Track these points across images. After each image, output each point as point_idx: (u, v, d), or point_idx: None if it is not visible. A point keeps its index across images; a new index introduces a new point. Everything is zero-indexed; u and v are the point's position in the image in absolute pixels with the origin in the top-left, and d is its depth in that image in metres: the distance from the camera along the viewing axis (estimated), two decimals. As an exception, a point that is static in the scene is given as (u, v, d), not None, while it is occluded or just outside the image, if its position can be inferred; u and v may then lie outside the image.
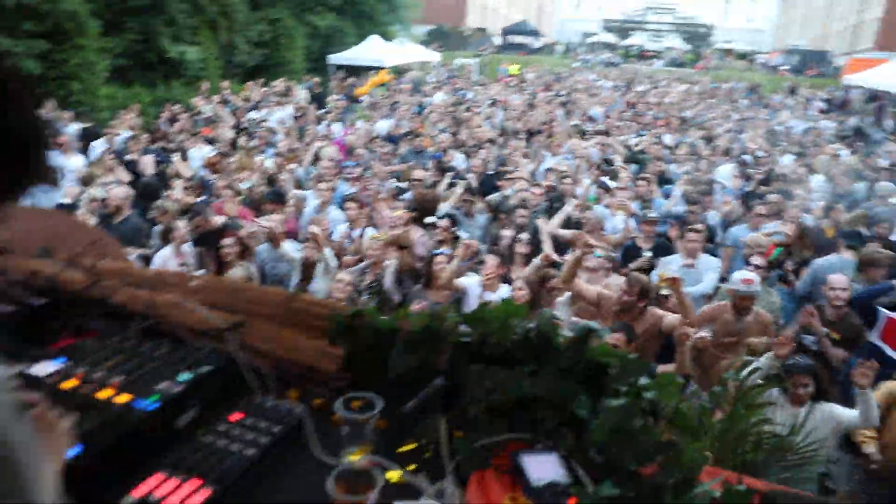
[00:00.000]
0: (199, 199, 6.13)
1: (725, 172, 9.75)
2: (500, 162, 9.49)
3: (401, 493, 1.27)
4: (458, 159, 9.58)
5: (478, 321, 1.54)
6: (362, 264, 5.45)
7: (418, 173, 7.60)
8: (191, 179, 7.11)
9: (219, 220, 6.04)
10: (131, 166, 7.90)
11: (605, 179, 8.23)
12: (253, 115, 12.46)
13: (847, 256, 5.77)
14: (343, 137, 10.87)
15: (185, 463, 1.30)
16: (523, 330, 1.49)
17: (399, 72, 24.55)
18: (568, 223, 6.95)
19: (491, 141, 10.26)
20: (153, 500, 1.20)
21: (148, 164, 7.96)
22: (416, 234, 6.26)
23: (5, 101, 0.72)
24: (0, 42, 10.58)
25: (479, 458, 1.35)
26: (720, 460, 1.66)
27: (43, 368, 1.51)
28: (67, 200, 6.53)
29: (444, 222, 6.22)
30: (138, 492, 1.22)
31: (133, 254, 5.19)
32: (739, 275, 4.79)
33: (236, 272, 5.25)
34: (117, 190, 6.14)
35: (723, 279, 5.96)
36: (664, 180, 9.06)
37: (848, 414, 3.74)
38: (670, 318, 4.38)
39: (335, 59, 22.05)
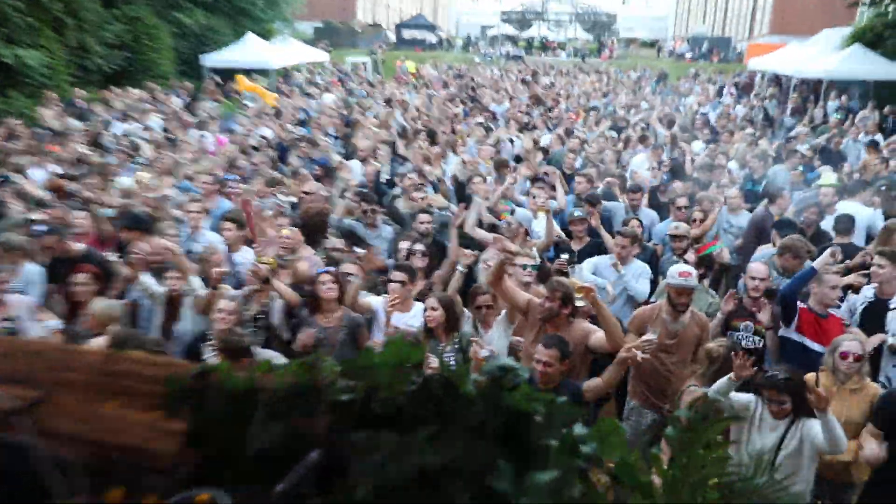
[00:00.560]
0: (37, 227, 5.54)
1: (639, 162, 9.98)
2: (398, 167, 9.31)
3: None
4: (353, 166, 9.31)
5: (361, 371, 1.28)
6: (244, 290, 5.08)
7: (309, 185, 7.24)
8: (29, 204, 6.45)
9: (78, 247, 5.51)
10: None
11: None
12: (117, 126, 11.66)
13: None
14: (220, 147, 10.33)
15: None
16: (421, 379, 1.24)
17: (284, 74, 23.97)
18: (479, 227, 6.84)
19: (387, 143, 10.01)
20: None
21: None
22: (306, 253, 5.94)
23: None
24: None
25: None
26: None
27: None
28: None
29: (337, 241, 5.96)
30: None
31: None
32: (676, 268, 4.81)
33: (99, 308, 4.72)
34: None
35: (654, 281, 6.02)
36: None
37: (818, 434, 3.66)
38: (600, 336, 4.29)
39: (209, 61, 21.21)
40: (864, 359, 4.13)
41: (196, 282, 4.93)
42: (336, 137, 11.85)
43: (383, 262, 6.28)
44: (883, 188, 7.98)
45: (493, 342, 4.77)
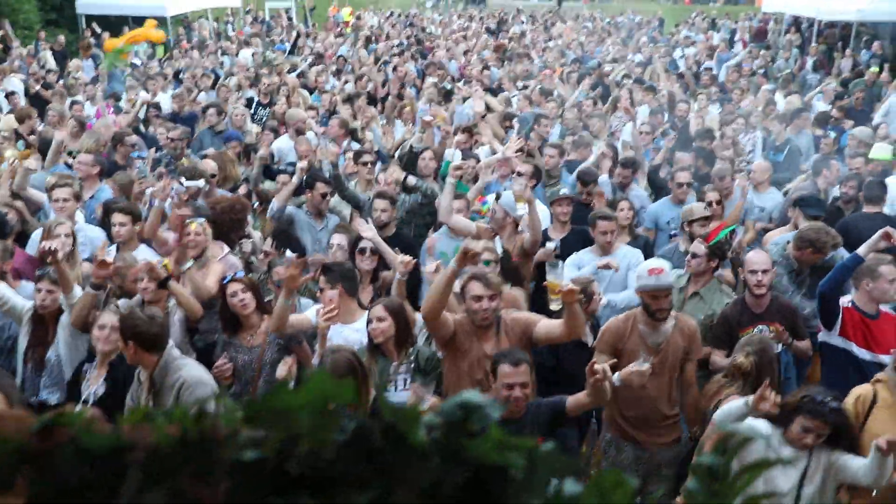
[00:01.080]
0: None
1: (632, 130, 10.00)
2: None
3: None
4: (280, 141, 9.16)
5: (274, 417, 1.17)
6: (134, 299, 4.94)
7: (208, 165, 7.05)
8: None
9: None
10: None
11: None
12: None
13: None
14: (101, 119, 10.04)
15: None
16: (355, 425, 1.13)
17: (186, 26, 23.56)
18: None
19: (314, 109, 9.87)
20: None
21: None
22: (220, 253, 5.80)
23: None
24: None
25: None
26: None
27: None
28: None
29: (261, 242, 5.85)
30: None
31: None
32: (646, 264, 4.75)
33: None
34: None
35: None
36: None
37: (856, 465, 3.69)
38: (547, 324, 4.31)
39: (86, 7, 20.69)
40: None
41: (77, 291, 4.75)
42: (261, 105, 11.65)
43: (324, 258, 6.17)
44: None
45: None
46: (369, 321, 4.50)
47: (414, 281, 5.42)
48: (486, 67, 14.65)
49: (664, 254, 6.13)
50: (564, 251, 6.10)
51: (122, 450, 1.20)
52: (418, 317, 4.64)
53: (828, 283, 4.94)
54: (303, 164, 6.85)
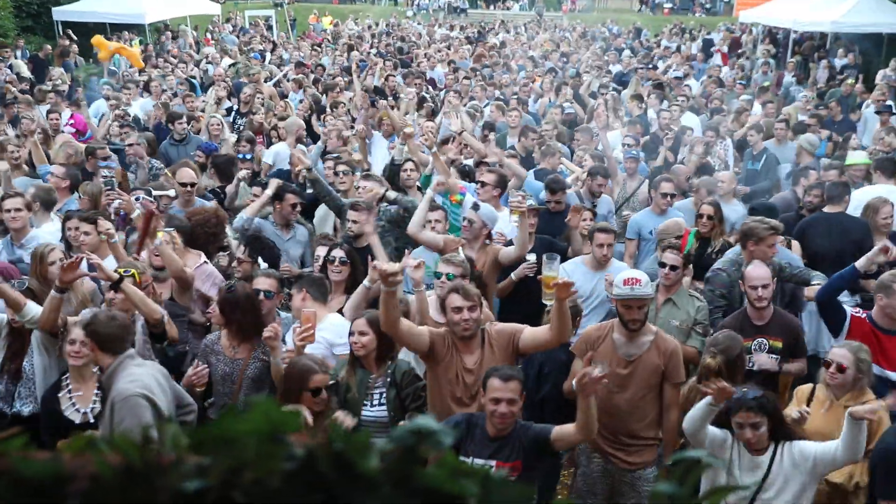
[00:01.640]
0: None
1: (612, 140, 10.00)
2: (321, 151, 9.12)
3: None
4: (278, 146, 9.24)
5: (220, 446, 1.12)
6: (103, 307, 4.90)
7: (184, 175, 6.96)
8: None
9: None
10: None
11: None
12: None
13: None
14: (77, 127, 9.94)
15: None
16: (302, 454, 1.10)
17: (174, 35, 23.43)
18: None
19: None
20: None
21: None
22: (194, 263, 5.74)
23: None
24: None
25: None
26: None
27: None
28: None
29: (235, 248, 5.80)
30: None
31: None
32: (622, 274, 4.69)
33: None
34: None
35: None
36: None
37: (820, 449, 3.78)
38: (532, 332, 4.28)
39: (63, 14, 20.52)
40: (853, 371, 4.18)
41: (31, 308, 4.65)
42: (240, 114, 11.57)
43: (298, 272, 6.14)
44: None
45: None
46: (352, 333, 4.46)
47: None
48: (467, 77, 14.61)
49: (649, 265, 6.13)
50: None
51: (61, 479, 1.16)
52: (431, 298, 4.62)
53: (822, 291, 5.04)
54: (243, 172, 6.86)
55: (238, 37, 24.66)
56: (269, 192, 6.55)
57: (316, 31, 28.06)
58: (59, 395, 4.34)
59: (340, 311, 5.21)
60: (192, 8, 25.26)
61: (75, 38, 19.40)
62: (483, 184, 6.89)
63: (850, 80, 15.60)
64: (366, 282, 5.16)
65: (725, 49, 22.47)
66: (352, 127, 10.06)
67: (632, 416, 4.57)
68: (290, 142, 9.37)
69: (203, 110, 11.60)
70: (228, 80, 13.88)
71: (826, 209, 6.90)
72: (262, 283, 4.99)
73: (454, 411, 4.11)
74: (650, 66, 18.08)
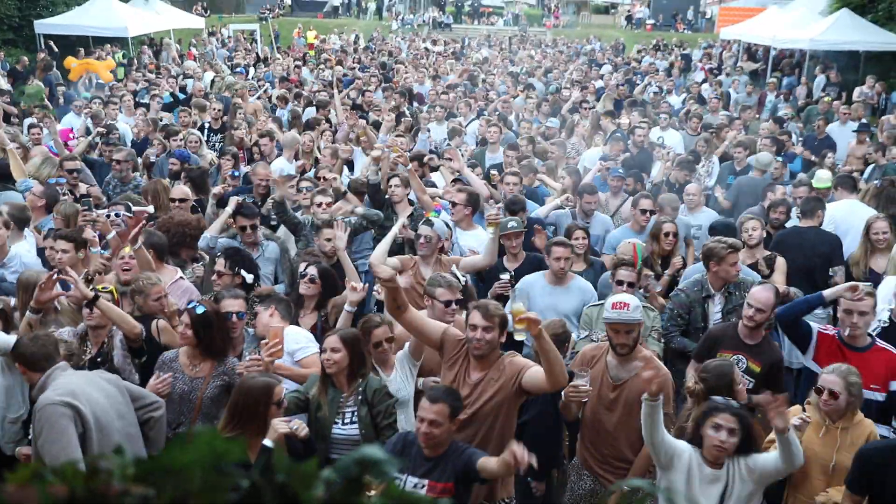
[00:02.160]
0: None
1: (592, 157, 10.07)
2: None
3: None
4: (278, 162, 9.16)
5: (165, 476, 1.13)
6: (79, 328, 4.88)
7: (178, 191, 6.96)
8: None
9: None
10: None
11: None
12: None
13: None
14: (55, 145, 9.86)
15: None
16: (247, 485, 1.10)
17: (157, 50, 23.39)
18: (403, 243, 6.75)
19: (270, 136, 9.76)
20: None
21: None
22: (170, 278, 5.72)
23: None
24: None
25: None
26: None
27: None
28: None
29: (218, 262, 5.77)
30: None
31: None
32: (612, 298, 4.70)
33: None
34: None
35: None
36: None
37: (764, 460, 3.87)
38: (536, 372, 4.15)
39: (45, 27, 20.44)
40: (845, 396, 4.17)
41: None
42: (212, 130, 11.54)
43: (271, 289, 6.12)
44: (878, 184, 8.25)
45: (399, 388, 4.67)
46: (323, 350, 4.45)
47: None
48: (445, 92, 14.66)
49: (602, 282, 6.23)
50: (518, 280, 6.13)
51: (4, 511, 1.16)
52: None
53: (784, 311, 5.06)
54: (216, 189, 6.85)
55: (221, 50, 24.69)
56: (228, 209, 6.53)
57: (298, 46, 28.05)
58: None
59: (313, 329, 5.26)
60: (176, 22, 25.27)
61: (56, 50, 19.34)
62: (454, 203, 6.94)
63: (827, 98, 15.80)
64: (347, 306, 5.16)
65: (707, 66, 22.72)
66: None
67: (618, 438, 4.56)
68: (289, 156, 9.36)
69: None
70: (213, 96, 13.81)
71: (800, 223, 7.06)
72: (232, 304, 4.95)
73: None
74: (632, 83, 18.26)
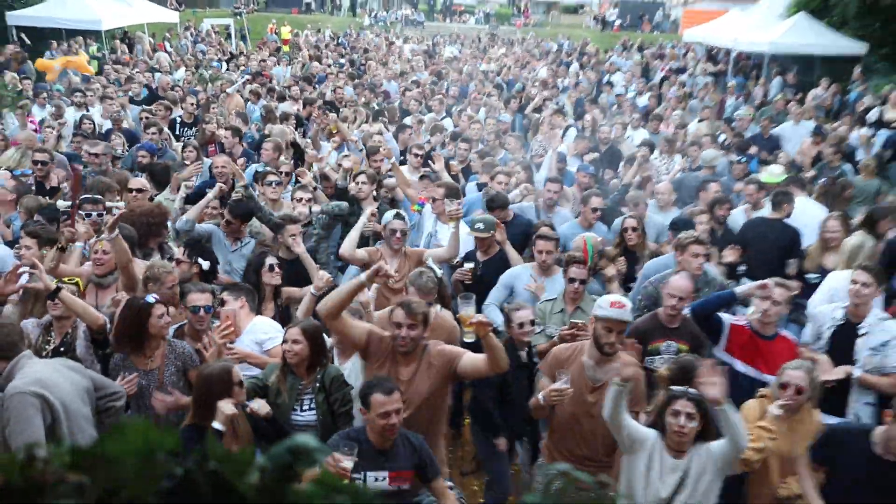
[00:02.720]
0: None
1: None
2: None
3: None
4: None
5: (99, 463, 1.13)
6: (43, 319, 4.85)
7: (136, 182, 6.88)
8: None
9: None
10: None
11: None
12: None
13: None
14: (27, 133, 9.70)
15: None
16: (180, 472, 1.10)
17: (128, 41, 23.08)
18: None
19: (237, 132, 9.66)
20: None
21: None
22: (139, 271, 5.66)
23: None
24: None
25: None
26: None
27: None
28: None
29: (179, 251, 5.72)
30: None
31: None
32: (607, 297, 4.58)
33: None
34: None
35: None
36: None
37: (717, 447, 3.87)
38: (471, 358, 4.26)
39: (17, 19, 20.06)
40: (809, 392, 4.26)
41: None
42: (185, 124, 11.41)
43: (231, 280, 6.11)
44: (826, 183, 8.40)
45: (350, 375, 4.68)
46: (284, 341, 4.44)
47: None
48: (408, 89, 14.64)
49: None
50: (487, 271, 6.23)
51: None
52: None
53: (699, 305, 5.12)
54: (220, 184, 6.80)
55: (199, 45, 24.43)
56: (210, 195, 6.52)
57: (270, 41, 27.80)
58: None
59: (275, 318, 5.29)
60: (150, 15, 24.90)
61: (28, 42, 19.01)
62: (434, 199, 6.97)
63: (778, 96, 16.01)
64: (311, 289, 5.20)
65: (668, 67, 22.88)
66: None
67: (597, 440, 4.50)
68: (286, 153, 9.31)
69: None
70: (177, 89, 13.63)
71: (770, 214, 7.21)
72: (199, 298, 4.90)
73: None
74: (606, 82, 18.37)
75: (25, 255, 5.30)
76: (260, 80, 16.01)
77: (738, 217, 7.73)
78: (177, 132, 11.00)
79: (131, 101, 13.08)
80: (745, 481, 4.37)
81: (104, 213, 6.07)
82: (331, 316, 4.23)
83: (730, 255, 6.60)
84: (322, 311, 4.27)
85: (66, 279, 4.90)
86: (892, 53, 19.33)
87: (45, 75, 16.33)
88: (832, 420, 4.78)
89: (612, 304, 4.40)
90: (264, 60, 20.41)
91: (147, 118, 10.47)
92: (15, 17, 20.17)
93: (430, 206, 7.11)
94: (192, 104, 11.65)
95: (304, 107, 12.94)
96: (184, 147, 8.99)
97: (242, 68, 19.17)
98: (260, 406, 3.97)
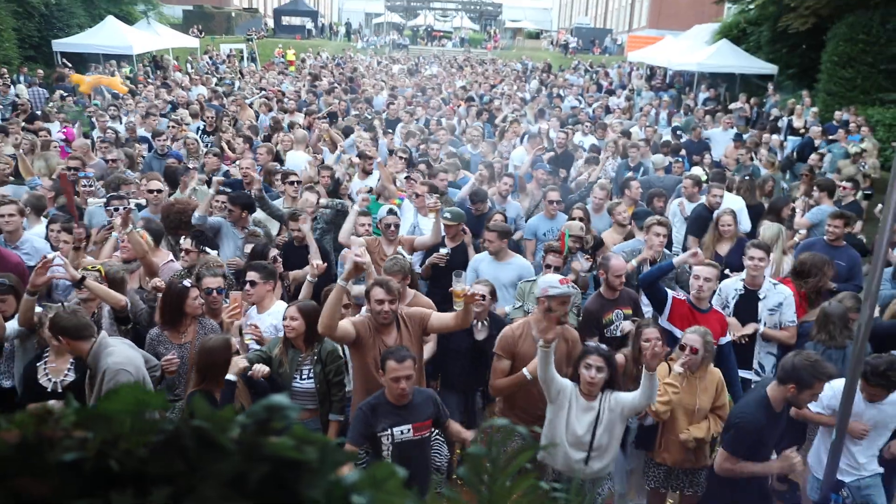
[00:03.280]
0: None
1: (519, 156, 10.08)
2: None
3: None
4: (292, 156, 9.08)
5: (98, 421, 1.09)
6: (73, 300, 4.77)
7: (154, 183, 6.79)
8: None
9: None
10: None
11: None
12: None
13: (643, 238, 6.13)
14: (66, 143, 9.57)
15: None
16: (169, 428, 1.07)
17: (156, 64, 22.77)
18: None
19: (248, 140, 9.55)
20: None
21: None
22: (162, 260, 5.58)
23: None
24: None
25: None
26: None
27: None
28: None
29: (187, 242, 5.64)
30: None
31: None
32: (552, 277, 4.54)
33: None
34: None
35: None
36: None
37: (626, 397, 4.01)
38: (440, 316, 4.30)
39: (61, 45, 19.75)
40: (702, 352, 4.32)
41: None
42: (206, 132, 11.28)
43: (240, 262, 6.04)
44: (746, 178, 8.46)
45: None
46: (284, 318, 4.39)
47: (326, 282, 5.29)
48: (391, 103, 14.54)
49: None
50: (454, 258, 6.22)
51: (-38, 453, 1.11)
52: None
53: (645, 276, 5.18)
54: (216, 179, 6.67)
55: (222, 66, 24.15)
56: (211, 191, 6.42)
57: (276, 63, 27.54)
58: (38, 364, 4.19)
59: (282, 298, 5.22)
60: (174, 41, 24.62)
61: (70, 65, 18.73)
62: (417, 195, 6.95)
63: (699, 108, 16.14)
64: (309, 277, 5.12)
65: (614, 83, 22.92)
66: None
67: (543, 401, 4.44)
68: (301, 149, 9.55)
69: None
70: (195, 104, 13.48)
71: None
72: (213, 282, 4.84)
73: (380, 383, 4.00)
74: (557, 95, 18.33)
75: (63, 249, 5.22)
76: (266, 95, 15.86)
77: (675, 208, 7.77)
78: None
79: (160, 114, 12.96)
80: (657, 429, 4.44)
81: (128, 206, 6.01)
82: (328, 329, 4.09)
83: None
84: (322, 330, 4.13)
85: (88, 266, 4.81)
86: (797, 73, 19.50)
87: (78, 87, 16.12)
88: (743, 373, 4.99)
89: (560, 281, 4.41)
90: (281, 75, 20.21)
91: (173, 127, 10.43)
92: (59, 44, 19.86)
93: (413, 200, 7.07)
94: (210, 117, 11.53)
95: (306, 116, 12.85)
96: (206, 153, 8.91)
97: (252, 85, 18.98)
98: (259, 369, 3.94)
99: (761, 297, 5.38)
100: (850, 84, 16.83)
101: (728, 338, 5.05)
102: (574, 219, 6.56)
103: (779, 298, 5.33)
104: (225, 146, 9.73)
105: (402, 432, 3.75)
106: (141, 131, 11.10)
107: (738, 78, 20.54)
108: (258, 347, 4.47)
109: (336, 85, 18.33)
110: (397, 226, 6.23)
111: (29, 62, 19.78)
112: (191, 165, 8.19)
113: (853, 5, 16.85)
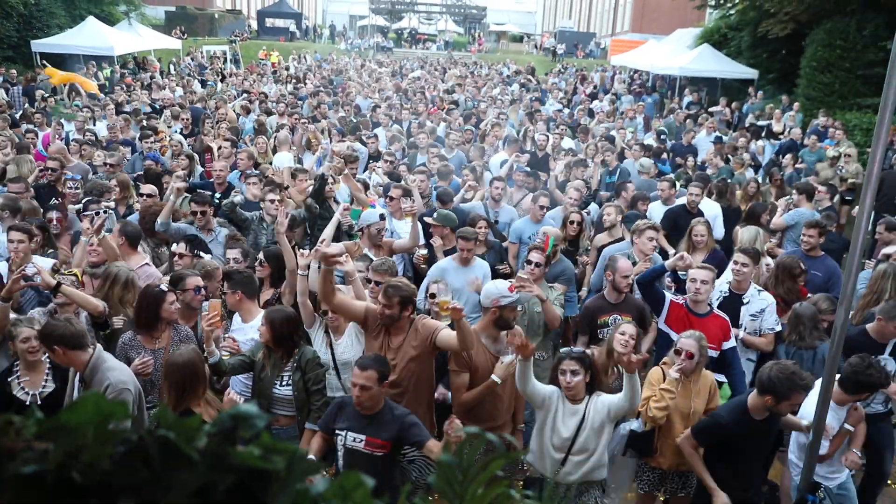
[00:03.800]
0: None
1: (499, 161, 10.08)
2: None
3: None
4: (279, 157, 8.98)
5: (60, 432, 1.07)
6: (50, 306, 4.65)
7: (146, 187, 6.71)
8: None
9: None
10: None
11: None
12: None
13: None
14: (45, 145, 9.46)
15: None
16: (133, 438, 1.05)
17: (142, 66, 22.58)
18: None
19: (232, 142, 9.50)
20: None
21: None
22: (137, 263, 5.50)
23: None
24: None
25: None
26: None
27: None
28: None
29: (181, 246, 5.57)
30: None
31: None
32: (501, 285, 4.40)
33: None
34: None
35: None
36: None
37: (612, 399, 4.02)
38: (448, 333, 4.18)
39: (40, 46, 19.53)
40: (697, 356, 4.31)
41: None
42: (183, 134, 11.18)
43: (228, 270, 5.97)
44: (719, 181, 8.54)
45: (345, 350, 4.63)
46: (260, 326, 4.37)
47: None
48: (378, 106, 14.53)
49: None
50: (432, 260, 6.20)
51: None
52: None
53: (640, 277, 5.19)
54: (180, 184, 6.52)
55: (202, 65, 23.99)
56: (172, 198, 6.33)
57: (259, 66, 27.41)
58: (10, 379, 4.08)
59: (269, 302, 5.17)
60: (157, 43, 24.43)
61: (48, 66, 18.49)
62: (391, 198, 6.94)
63: (679, 111, 16.28)
64: (299, 270, 5.07)
65: (593, 87, 23.04)
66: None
67: (503, 403, 4.47)
68: (285, 150, 9.58)
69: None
70: (176, 106, 13.39)
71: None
72: (196, 281, 4.80)
73: None
74: (537, 99, 18.39)
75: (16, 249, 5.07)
76: (248, 97, 15.77)
77: (655, 209, 7.81)
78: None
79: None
80: (654, 434, 4.42)
81: (103, 212, 5.92)
82: (326, 298, 4.15)
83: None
84: (321, 299, 4.20)
85: (65, 271, 4.73)
86: (777, 78, 19.72)
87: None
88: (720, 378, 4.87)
89: (510, 288, 4.35)
90: (255, 81, 20.11)
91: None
92: (39, 45, 19.63)
93: (388, 204, 7.04)
94: (185, 119, 11.47)
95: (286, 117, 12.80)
96: (178, 155, 8.82)
97: (234, 87, 18.87)
98: (234, 398, 4.00)
99: (745, 301, 5.40)
100: (828, 89, 17.06)
101: (732, 342, 4.98)
102: (573, 222, 6.63)
103: (762, 305, 5.36)
104: (214, 147, 9.66)
105: (353, 440, 3.69)
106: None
107: (720, 82, 20.72)
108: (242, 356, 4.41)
109: (321, 89, 18.28)
110: (383, 229, 6.26)
111: (7, 62, 19.54)
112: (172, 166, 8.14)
113: (830, 11, 17.10)
